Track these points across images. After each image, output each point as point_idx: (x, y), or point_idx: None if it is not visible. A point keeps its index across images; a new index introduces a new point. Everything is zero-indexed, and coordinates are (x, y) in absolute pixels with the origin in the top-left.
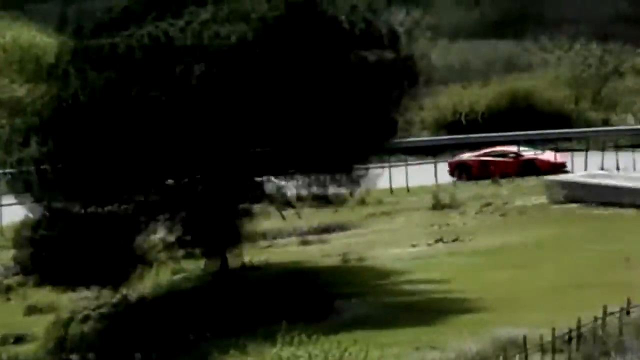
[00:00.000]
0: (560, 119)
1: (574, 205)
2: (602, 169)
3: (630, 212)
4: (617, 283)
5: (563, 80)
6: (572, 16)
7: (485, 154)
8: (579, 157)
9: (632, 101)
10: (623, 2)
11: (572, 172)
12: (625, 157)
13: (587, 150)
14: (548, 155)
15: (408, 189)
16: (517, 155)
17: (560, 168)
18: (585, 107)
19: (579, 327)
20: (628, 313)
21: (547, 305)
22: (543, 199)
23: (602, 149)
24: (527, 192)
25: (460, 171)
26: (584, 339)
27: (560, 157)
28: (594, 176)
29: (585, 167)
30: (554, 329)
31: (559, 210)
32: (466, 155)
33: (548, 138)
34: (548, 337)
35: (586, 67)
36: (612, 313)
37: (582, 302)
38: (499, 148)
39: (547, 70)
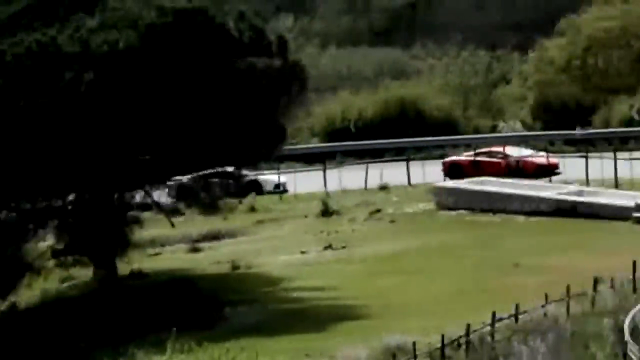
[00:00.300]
0: (449, 125)
1: (461, 211)
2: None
3: (518, 218)
4: (506, 289)
5: (451, 87)
6: (460, 24)
7: (476, 154)
8: None
9: (519, 107)
10: (510, 10)
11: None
12: None
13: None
14: (537, 157)
15: (296, 196)
16: (505, 156)
17: (549, 170)
18: (473, 113)
19: (467, 334)
20: (516, 319)
21: (436, 311)
22: (431, 205)
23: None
24: (416, 199)
25: (453, 171)
26: (472, 345)
27: (551, 160)
28: (481, 183)
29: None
30: (443, 336)
31: (447, 216)
32: (459, 156)
33: (436, 144)
34: (438, 344)
35: (474, 74)
36: (500, 319)
37: (471, 308)
38: (491, 148)
39: (436, 77)
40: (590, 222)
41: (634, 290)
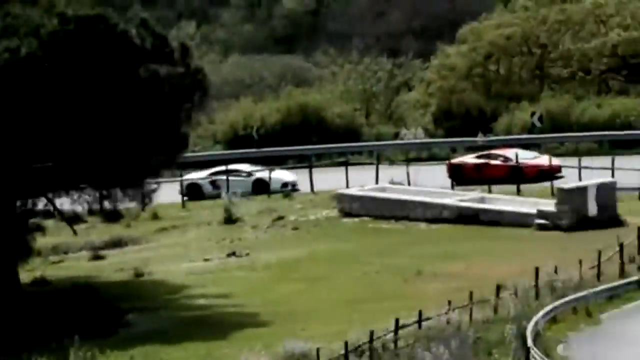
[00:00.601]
0: (351, 132)
1: (364, 218)
2: (391, 182)
3: (421, 225)
4: (409, 295)
5: (353, 94)
6: (361, 31)
7: (478, 157)
8: (370, 171)
9: (421, 114)
10: (411, 17)
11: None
12: (416, 170)
13: (377, 164)
14: (539, 161)
15: (199, 203)
16: (506, 159)
17: (551, 174)
18: (375, 120)
19: (371, 340)
20: (420, 326)
21: (340, 318)
22: (335, 212)
23: (392, 162)
24: (320, 206)
25: (456, 174)
26: (376, 351)
27: (553, 163)
28: (384, 190)
29: (377, 181)
30: (346, 342)
31: (350, 223)
32: (463, 158)
33: (339, 151)
34: (341, 350)
35: (376, 81)
36: (404, 326)
37: (375, 315)
38: (493, 151)
39: (338, 84)
40: (492, 229)
41: (537, 296)
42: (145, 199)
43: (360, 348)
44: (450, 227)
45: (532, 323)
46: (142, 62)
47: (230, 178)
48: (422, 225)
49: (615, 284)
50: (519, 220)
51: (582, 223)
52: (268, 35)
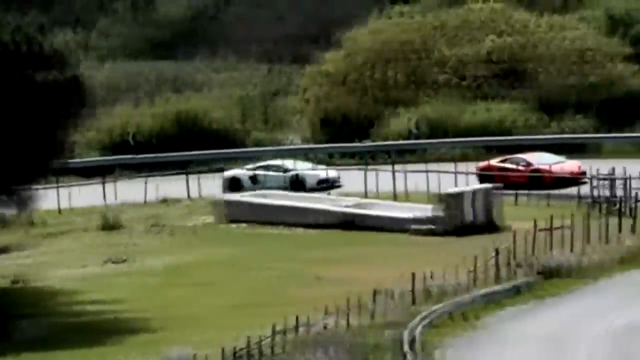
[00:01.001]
0: (229, 138)
1: (243, 224)
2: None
3: (299, 230)
4: (288, 301)
5: (231, 100)
6: (239, 36)
7: (503, 160)
8: None
9: (299, 121)
10: (288, 22)
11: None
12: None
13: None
14: (561, 167)
15: (75, 210)
16: (528, 164)
17: (574, 180)
18: (253, 127)
19: (248, 346)
20: (297, 331)
21: (218, 324)
22: (213, 219)
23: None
24: (198, 212)
25: (485, 178)
26: (252, 357)
27: (574, 169)
28: (263, 195)
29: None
30: (223, 348)
31: (230, 229)
32: (491, 161)
33: (216, 158)
34: (218, 356)
35: (253, 87)
36: (280, 331)
37: (254, 321)
38: (516, 155)
39: (215, 90)
40: (370, 234)
41: (413, 301)
42: (23, 205)
43: (237, 354)
44: (329, 232)
45: (409, 328)
46: (17, 68)
47: (268, 173)
48: (301, 231)
49: (493, 289)
50: (398, 226)
51: (461, 228)
52: (147, 41)
